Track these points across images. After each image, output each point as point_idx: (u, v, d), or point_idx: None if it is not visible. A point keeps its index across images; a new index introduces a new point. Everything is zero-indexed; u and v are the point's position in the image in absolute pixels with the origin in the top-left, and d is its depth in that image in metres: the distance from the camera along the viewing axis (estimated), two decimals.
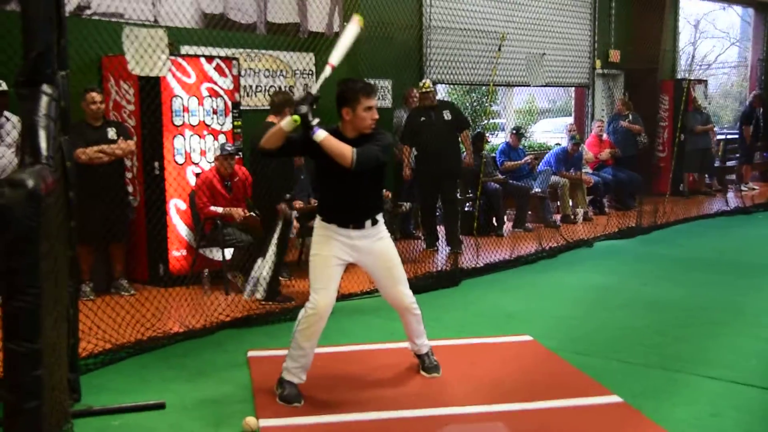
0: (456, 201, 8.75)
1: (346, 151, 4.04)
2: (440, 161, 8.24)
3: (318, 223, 4.37)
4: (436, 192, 8.50)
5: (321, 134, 4.03)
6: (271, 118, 6.10)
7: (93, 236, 6.33)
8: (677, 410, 4.17)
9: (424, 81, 8.63)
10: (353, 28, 4.39)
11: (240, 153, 7.01)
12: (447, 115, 8.47)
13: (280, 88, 8.11)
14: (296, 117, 3.99)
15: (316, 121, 4.03)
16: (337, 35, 8.73)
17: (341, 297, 6.41)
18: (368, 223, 4.31)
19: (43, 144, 3.04)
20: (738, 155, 14.33)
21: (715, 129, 14.05)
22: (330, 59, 4.25)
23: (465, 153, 8.85)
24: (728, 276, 7.54)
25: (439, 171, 8.27)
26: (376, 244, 4.37)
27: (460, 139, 8.79)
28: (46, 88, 3.25)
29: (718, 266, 8.06)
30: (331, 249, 4.27)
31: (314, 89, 4.11)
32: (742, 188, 13.70)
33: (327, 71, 4.19)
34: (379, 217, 4.39)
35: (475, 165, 8.94)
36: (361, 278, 6.46)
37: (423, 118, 8.35)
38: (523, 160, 10.20)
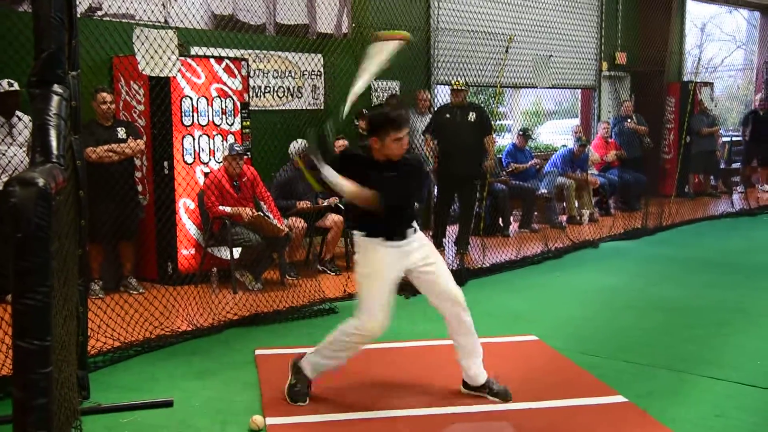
0: (473, 205, 8.70)
1: (369, 199, 3.91)
2: (459, 162, 8.26)
3: (364, 241, 4.11)
4: (452, 191, 8.53)
5: (344, 188, 3.91)
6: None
7: (103, 235, 6.38)
8: (683, 410, 4.18)
9: (457, 79, 8.65)
10: (393, 45, 4.22)
11: (248, 153, 7.04)
12: (472, 117, 8.40)
13: (286, 89, 8.13)
14: (309, 177, 3.92)
15: (322, 164, 3.87)
16: (345, 36, 8.78)
17: (349, 296, 6.45)
18: (409, 231, 4.14)
19: (53, 143, 3.06)
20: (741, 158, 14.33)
21: (721, 131, 14.03)
22: (355, 87, 4.11)
23: (487, 157, 8.68)
24: (734, 277, 7.54)
25: (457, 171, 8.32)
26: (423, 250, 4.19)
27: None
28: (57, 87, 3.27)
29: (723, 267, 8.05)
30: (384, 265, 4.05)
31: (327, 130, 3.98)
32: (760, 189, 13.70)
33: (348, 104, 4.08)
34: (415, 224, 4.22)
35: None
36: None
37: (447, 116, 8.41)
38: (529, 163, 10.21)
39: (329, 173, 3.90)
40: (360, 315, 4.07)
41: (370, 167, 4.06)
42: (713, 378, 4.67)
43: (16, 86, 5.96)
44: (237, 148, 6.78)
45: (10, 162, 5.93)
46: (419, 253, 4.15)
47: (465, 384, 4.36)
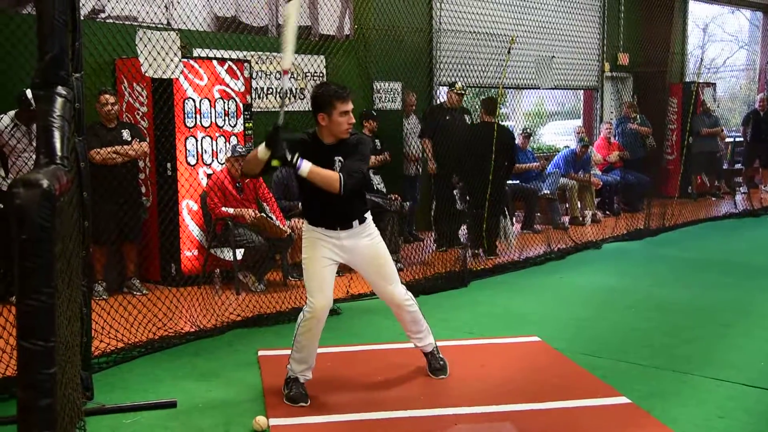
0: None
1: (333, 182, 4.04)
2: (460, 163, 8.39)
3: (305, 227, 4.38)
4: (451, 192, 8.56)
5: (305, 167, 4.01)
6: None
7: (107, 236, 6.40)
8: (685, 412, 4.18)
9: (456, 82, 8.80)
10: (293, 6, 4.17)
11: (243, 149, 7.02)
12: (467, 120, 8.74)
13: (287, 90, 8.16)
14: (276, 162, 3.96)
15: (296, 156, 3.98)
16: (347, 38, 8.79)
17: (350, 298, 6.47)
18: (355, 222, 4.30)
19: (57, 144, 3.07)
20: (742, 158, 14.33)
21: (724, 132, 14.02)
22: (282, 63, 4.19)
23: None
24: (737, 278, 7.54)
25: (458, 172, 8.42)
26: (363, 242, 4.34)
27: None
28: (60, 89, 3.28)
29: (726, 268, 8.05)
30: (321, 251, 4.27)
31: (280, 120, 3.98)
32: (763, 190, 13.69)
33: (285, 80, 4.14)
34: (368, 215, 4.37)
35: None
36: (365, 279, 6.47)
37: (448, 117, 8.47)
38: (533, 165, 10.21)
39: (303, 165, 4.00)
40: (308, 297, 4.26)
41: (317, 148, 4.15)
42: (716, 379, 4.67)
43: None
44: (240, 150, 6.79)
45: (27, 165, 5.95)
46: (362, 244, 4.33)
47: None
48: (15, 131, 6.08)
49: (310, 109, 4.23)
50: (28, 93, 5.93)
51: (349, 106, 4.13)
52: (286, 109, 4.23)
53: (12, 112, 6.11)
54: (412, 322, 4.60)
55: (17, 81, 5.97)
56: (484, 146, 8.06)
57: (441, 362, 4.72)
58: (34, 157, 5.98)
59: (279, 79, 7.97)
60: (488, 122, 8.28)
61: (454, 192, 8.62)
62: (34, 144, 6.10)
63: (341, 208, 4.26)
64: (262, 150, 3.99)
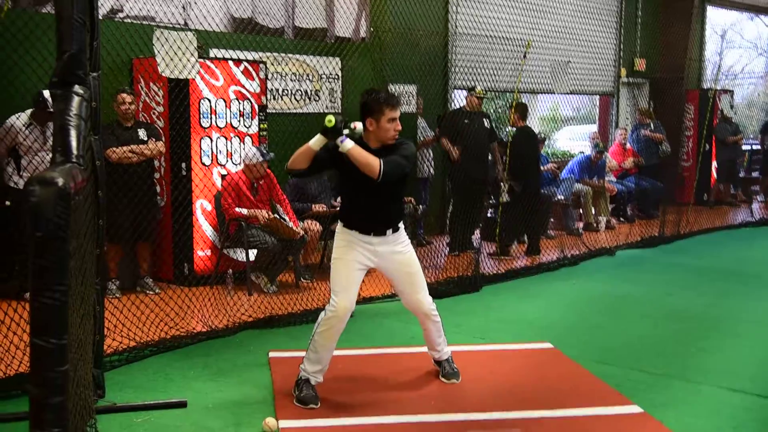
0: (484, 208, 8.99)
1: (373, 163, 4.06)
2: (478, 167, 8.50)
3: (340, 228, 4.40)
4: (470, 196, 8.57)
5: (349, 143, 4.06)
6: None
7: (121, 235, 6.43)
8: (698, 422, 4.15)
9: (476, 86, 8.90)
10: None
11: (272, 154, 7.04)
12: (486, 124, 8.82)
13: (306, 92, 8.18)
14: (330, 118, 3.99)
15: (346, 131, 4.07)
16: (363, 40, 8.80)
17: (362, 300, 6.46)
18: (389, 231, 4.35)
19: (73, 143, 3.08)
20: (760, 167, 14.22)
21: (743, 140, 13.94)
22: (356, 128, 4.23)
23: (496, 162, 9.08)
24: (752, 287, 7.48)
25: (477, 176, 8.50)
26: (397, 250, 4.40)
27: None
28: (78, 88, 3.29)
29: (742, 277, 7.99)
30: (353, 254, 4.30)
31: (345, 129, 4.09)
32: None
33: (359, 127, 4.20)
34: (401, 224, 4.42)
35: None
36: (383, 282, 6.48)
37: (467, 121, 8.49)
38: (545, 167, 10.17)
39: (347, 141, 4.06)
40: (332, 296, 4.29)
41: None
42: (730, 389, 4.63)
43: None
44: (267, 154, 6.79)
45: (43, 162, 5.99)
46: (395, 252, 4.38)
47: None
48: (31, 131, 6.12)
49: (326, 111, 4.24)
50: (45, 93, 5.96)
51: (397, 113, 4.19)
52: (303, 111, 4.27)
53: (29, 111, 6.14)
54: (436, 333, 4.64)
55: (36, 80, 6.00)
56: (530, 149, 8.70)
57: (455, 369, 4.73)
58: (48, 157, 6.05)
59: (312, 91, 8.12)
60: (526, 126, 8.79)
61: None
62: (48, 144, 6.13)
63: (379, 214, 4.32)
64: (316, 139, 4.07)
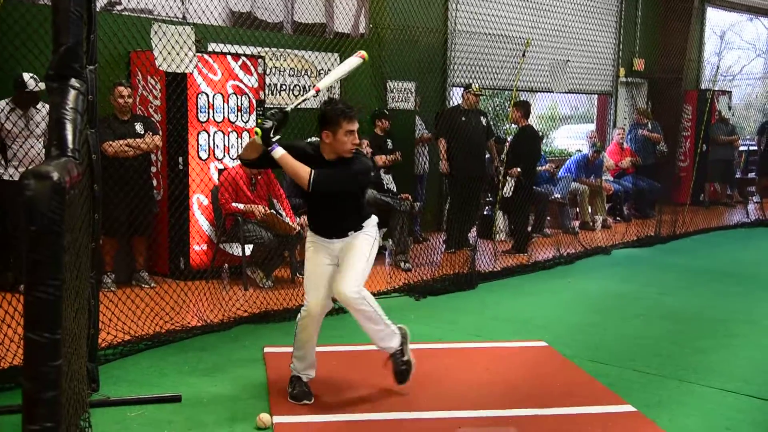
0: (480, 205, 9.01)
1: (303, 174, 4.03)
2: (475, 164, 8.54)
3: (308, 232, 4.42)
4: (467, 193, 8.59)
5: (278, 152, 4.02)
6: None
7: (117, 228, 6.42)
8: (691, 422, 4.16)
9: (476, 84, 8.94)
10: (355, 61, 4.35)
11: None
12: (483, 122, 8.84)
13: (304, 88, 8.18)
14: (258, 130, 3.97)
15: (276, 138, 4.00)
16: (362, 36, 8.79)
17: None
18: (351, 232, 4.30)
19: (69, 137, 3.07)
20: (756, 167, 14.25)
21: (739, 140, 13.96)
22: (319, 83, 4.25)
23: (493, 160, 9.20)
24: (747, 288, 7.49)
25: (475, 173, 8.55)
26: (347, 240, 4.29)
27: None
28: (74, 82, 3.28)
29: (737, 278, 8.00)
30: (319, 255, 4.31)
31: (290, 107, 4.08)
32: None
33: (310, 93, 4.17)
34: (366, 223, 4.33)
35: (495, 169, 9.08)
36: (374, 279, 6.48)
37: (464, 119, 8.51)
38: (543, 167, 10.18)
39: (277, 149, 4.02)
40: (305, 297, 4.31)
41: (317, 162, 4.12)
42: (723, 390, 4.64)
43: (41, 86, 5.88)
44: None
45: (27, 154, 5.97)
46: (347, 242, 4.28)
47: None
48: (11, 115, 6.05)
49: (285, 105, 4.21)
50: (25, 76, 5.94)
51: (355, 126, 4.10)
52: (301, 107, 4.26)
53: (8, 99, 6.09)
54: (367, 323, 4.30)
55: (33, 72, 5.99)
56: (532, 149, 8.78)
57: (402, 365, 4.45)
58: (33, 144, 6.02)
59: (309, 86, 8.13)
60: (529, 126, 8.85)
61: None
62: (31, 129, 6.10)
63: (338, 223, 4.29)
64: (255, 141, 4.03)
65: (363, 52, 4.40)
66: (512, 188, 8.74)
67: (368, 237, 4.34)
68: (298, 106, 4.17)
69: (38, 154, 5.95)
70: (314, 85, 4.25)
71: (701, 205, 12.61)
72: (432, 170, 9.41)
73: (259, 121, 4.05)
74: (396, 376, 4.45)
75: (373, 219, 4.41)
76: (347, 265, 4.25)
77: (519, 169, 8.68)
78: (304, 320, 4.29)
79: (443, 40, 9.74)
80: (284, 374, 4.47)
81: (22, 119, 6.08)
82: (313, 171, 4.03)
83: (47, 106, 5.79)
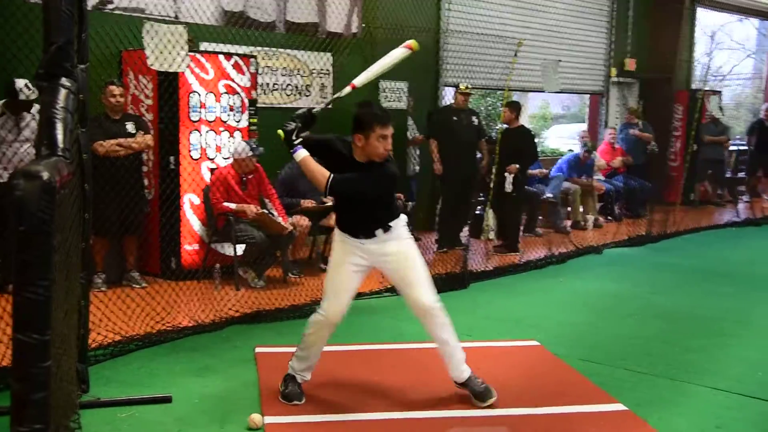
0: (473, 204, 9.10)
1: (320, 179, 4.00)
2: (466, 164, 8.56)
3: (336, 230, 4.33)
4: (458, 193, 8.59)
5: (299, 155, 4.01)
6: None
7: (108, 228, 6.39)
8: (682, 421, 4.17)
9: (465, 83, 8.94)
10: (401, 52, 4.26)
11: (262, 148, 7.01)
12: (474, 121, 8.84)
13: (297, 87, 8.16)
14: (280, 132, 3.97)
15: (299, 140, 4.00)
16: (355, 36, 8.77)
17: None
18: (379, 231, 4.20)
19: (59, 136, 3.06)
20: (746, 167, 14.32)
21: (729, 140, 14.02)
22: (355, 80, 4.17)
23: (483, 159, 9.19)
24: (738, 287, 7.52)
25: (466, 173, 8.56)
26: (386, 248, 4.23)
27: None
28: (65, 81, 3.26)
29: (727, 277, 8.03)
30: (347, 256, 4.23)
31: (318, 108, 4.06)
32: (766, 199, 13.68)
33: (346, 90, 4.14)
34: (394, 222, 4.25)
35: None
36: (370, 278, 6.46)
37: (455, 118, 8.51)
38: (536, 171, 10.19)
39: (299, 151, 4.02)
40: (323, 300, 4.25)
41: (347, 163, 4.10)
42: (714, 389, 4.65)
43: (35, 94, 5.81)
44: (256, 149, 6.77)
45: (16, 154, 5.93)
46: (387, 247, 4.21)
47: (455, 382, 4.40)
48: (5, 121, 6.02)
49: (315, 106, 4.20)
50: (18, 83, 5.90)
51: (389, 131, 4.04)
52: (294, 106, 4.25)
53: (1, 102, 6.06)
54: (441, 333, 4.28)
55: (23, 72, 5.96)
56: (526, 147, 8.79)
57: (480, 387, 4.32)
58: (22, 148, 5.99)
59: (302, 86, 8.14)
60: (521, 126, 8.90)
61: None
62: (22, 135, 6.06)
63: (365, 219, 4.21)
64: (279, 134, 4.03)
65: (411, 42, 4.26)
66: (511, 185, 8.75)
67: (410, 242, 4.32)
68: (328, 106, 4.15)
69: (27, 155, 5.91)
70: (351, 83, 4.17)
71: (692, 205, 12.65)
72: (423, 170, 9.41)
73: (279, 132, 4.02)
74: (476, 397, 4.28)
75: (402, 218, 4.32)
76: (414, 278, 4.23)
77: (518, 166, 8.68)
78: (318, 324, 4.23)
79: (435, 39, 9.74)
80: (276, 374, 4.46)
81: (14, 126, 6.03)
82: (331, 177, 3.99)
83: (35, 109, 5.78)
